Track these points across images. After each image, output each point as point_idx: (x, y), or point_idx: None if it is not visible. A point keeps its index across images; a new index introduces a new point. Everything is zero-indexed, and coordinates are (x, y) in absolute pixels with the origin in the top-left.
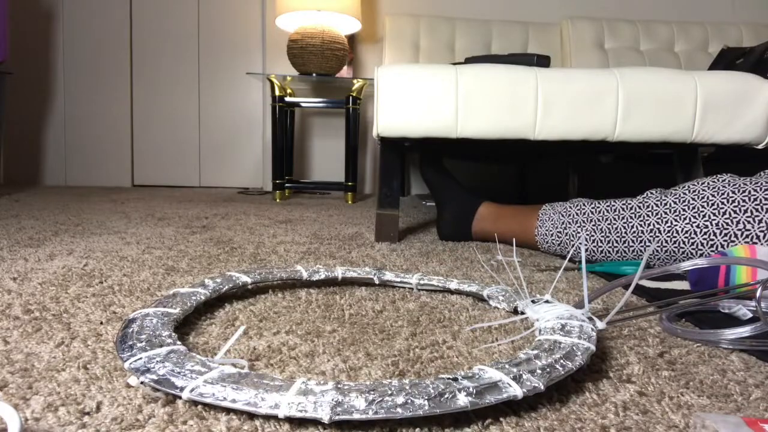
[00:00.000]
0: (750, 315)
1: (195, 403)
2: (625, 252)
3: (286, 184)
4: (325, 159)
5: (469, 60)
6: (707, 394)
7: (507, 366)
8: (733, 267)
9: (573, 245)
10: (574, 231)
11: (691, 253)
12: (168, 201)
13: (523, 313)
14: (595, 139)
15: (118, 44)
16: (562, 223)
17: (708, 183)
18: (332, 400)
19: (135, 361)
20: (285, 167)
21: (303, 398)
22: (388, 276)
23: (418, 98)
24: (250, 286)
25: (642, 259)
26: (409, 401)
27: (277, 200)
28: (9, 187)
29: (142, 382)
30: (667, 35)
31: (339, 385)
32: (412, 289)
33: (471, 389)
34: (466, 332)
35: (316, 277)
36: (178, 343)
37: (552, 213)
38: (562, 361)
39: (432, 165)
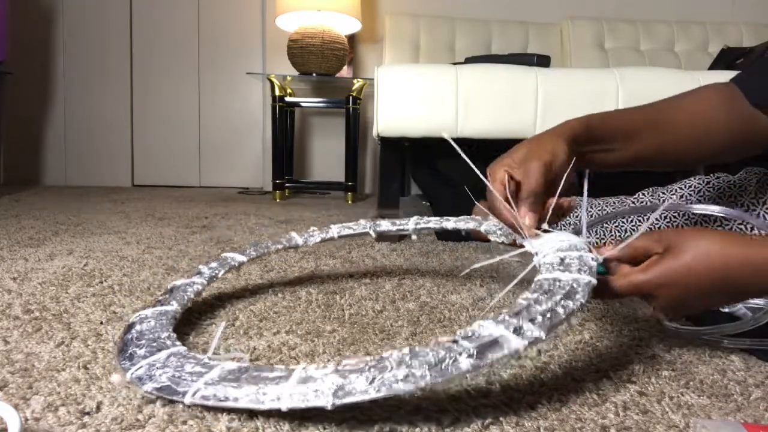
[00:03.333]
0: (750, 315)
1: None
2: None
3: (286, 184)
4: (325, 159)
5: (469, 60)
6: (707, 394)
7: (507, 318)
8: None
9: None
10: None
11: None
12: (168, 201)
13: (521, 246)
14: None
15: (118, 44)
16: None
17: (702, 179)
18: (333, 384)
19: (137, 370)
20: (285, 167)
21: (304, 387)
22: (384, 226)
23: (418, 98)
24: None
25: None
26: (410, 374)
27: (277, 200)
28: (9, 187)
29: (145, 392)
30: (667, 35)
31: (339, 367)
32: (409, 234)
33: (471, 350)
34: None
35: (311, 241)
36: (177, 343)
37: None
38: (562, 302)
39: (424, 167)
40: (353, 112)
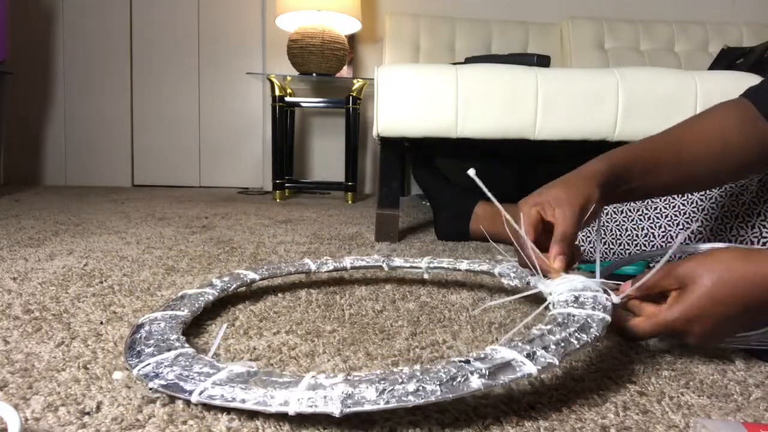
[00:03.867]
0: None
1: (204, 404)
2: (621, 254)
3: (286, 184)
4: (325, 159)
5: (469, 60)
6: (707, 394)
7: (520, 344)
8: None
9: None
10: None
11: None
12: (168, 201)
13: (535, 287)
14: (595, 139)
15: (118, 44)
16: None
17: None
18: (342, 392)
19: (144, 367)
20: (285, 167)
21: (312, 393)
22: (398, 262)
23: (418, 98)
24: (258, 282)
25: (642, 259)
26: (421, 388)
27: (277, 200)
28: (9, 187)
29: (150, 388)
30: (667, 35)
31: (348, 377)
32: (423, 272)
33: (483, 371)
34: (467, 331)
35: (324, 269)
36: (186, 345)
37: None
38: (576, 334)
39: (424, 166)
40: (353, 112)
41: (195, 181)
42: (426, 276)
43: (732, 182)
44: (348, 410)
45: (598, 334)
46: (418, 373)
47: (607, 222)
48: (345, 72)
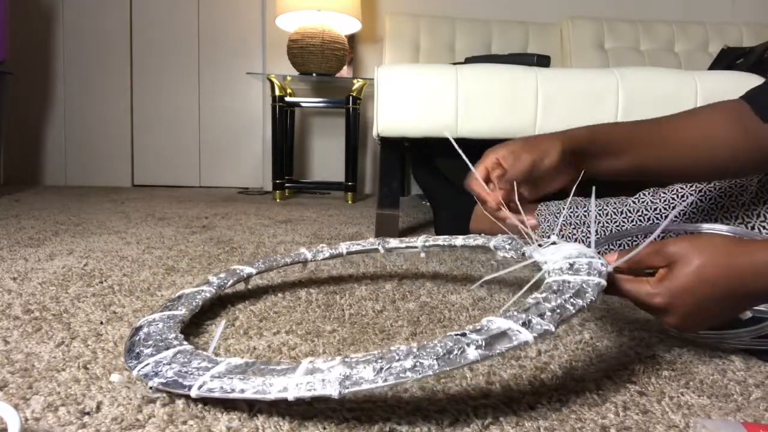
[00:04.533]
0: (750, 314)
1: (204, 399)
2: None
3: (286, 184)
4: (325, 159)
5: (469, 60)
6: (707, 394)
7: (516, 313)
8: None
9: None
10: (570, 232)
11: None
12: (168, 201)
13: (530, 257)
14: None
15: (118, 44)
16: (557, 224)
17: (695, 186)
18: (340, 374)
19: (143, 367)
20: (285, 167)
21: (311, 377)
22: (393, 243)
23: (418, 98)
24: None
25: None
26: (418, 364)
27: (277, 200)
28: (9, 187)
29: (150, 387)
30: (667, 35)
31: (346, 359)
32: (419, 251)
33: (480, 341)
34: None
35: (320, 257)
36: (185, 343)
37: (547, 215)
38: (572, 299)
39: (424, 166)
40: (353, 112)
41: (195, 181)
42: (422, 255)
43: (717, 179)
44: (346, 390)
45: (593, 299)
46: (414, 350)
47: (607, 223)
48: (345, 72)
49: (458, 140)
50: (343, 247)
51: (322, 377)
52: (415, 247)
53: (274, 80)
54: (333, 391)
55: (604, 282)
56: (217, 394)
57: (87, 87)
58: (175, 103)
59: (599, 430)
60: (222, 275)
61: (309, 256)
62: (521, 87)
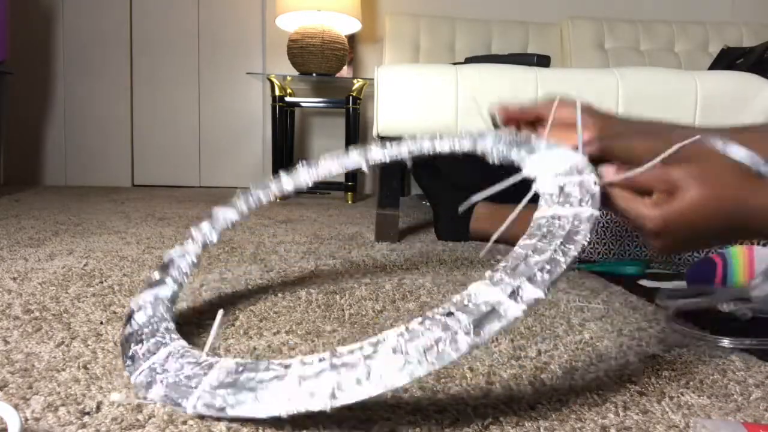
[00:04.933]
0: (750, 315)
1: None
2: (621, 254)
3: None
4: None
5: (469, 60)
6: (707, 394)
7: (503, 277)
8: (731, 265)
9: None
10: None
11: (687, 260)
12: (168, 201)
13: (518, 166)
14: None
15: (118, 44)
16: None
17: None
18: (329, 385)
19: (139, 375)
20: (285, 167)
21: (299, 389)
22: (376, 153)
23: (418, 98)
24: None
25: (641, 260)
26: (406, 363)
27: (278, 200)
28: (9, 187)
29: (144, 397)
30: (667, 35)
31: (333, 360)
32: (405, 162)
33: (468, 325)
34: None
35: (301, 180)
36: (176, 336)
37: None
38: (563, 246)
39: (424, 167)
40: (353, 112)
41: (195, 181)
42: (408, 165)
43: None
44: (337, 404)
45: (585, 242)
46: (402, 343)
47: (608, 222)
48: (345, 72)
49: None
50: (324, 167)
51: (310, 389)
52: (401, 156)
53: (274, 80)
54: (323, 405)
55: (596, 213)
56: (210, 413)
57: (87, 87)
58: (175, 103)
59: (599, 430)
60: (205, 227)
61: (290, 185)
62: (521, 87)
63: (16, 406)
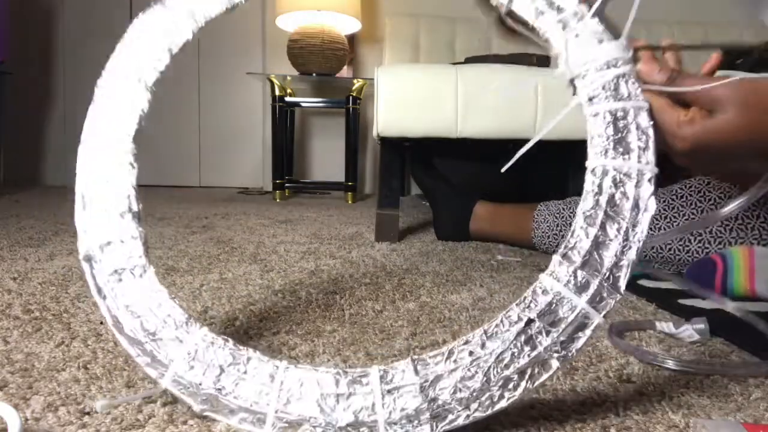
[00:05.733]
0: (697, 337)
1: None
2: None
3: (286, 184)
4: (325, 159)
5: (469, 60)
6: (707, 394)
7: (566, 267)
8: (731, 270)
9: None
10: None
11: (687, 261)
12: (168, 201)
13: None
14: None
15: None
16: (557, 226)
17: (694, 186)
18: (427, 413)
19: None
20: (285, 167)
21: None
22: None
23: (418, 98)
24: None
25: (641, 260)
26: (508, 388)
27: (277, 200)
28: (9, 187)
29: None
30: (667, 35)
31: (423, 383)
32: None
33: (556, 341)
34: (466, 330)
35: None
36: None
37: (547, 215)
38: (631, 221)
39: (423, 167)
40: (353, 112)
41: (195, 181)
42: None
43: None
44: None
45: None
46: (491, 365)
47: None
48: (345, 72)
49: (458, 140)
50: None
51: (408, 415)
52: None
53: (274, 80)
54: None
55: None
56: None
57: (87, 87)
58: (175, 103)
59: (599, 430)
60: None
61: None
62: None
63: (16, 406)
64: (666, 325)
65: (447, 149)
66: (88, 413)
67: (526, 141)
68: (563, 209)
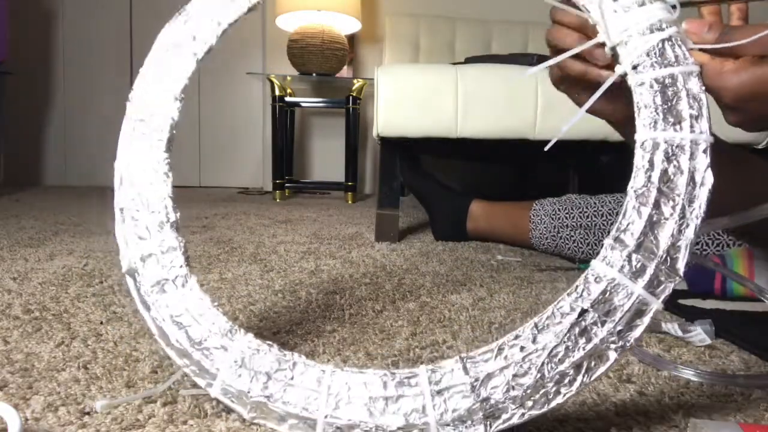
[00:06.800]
0: (708, 341)
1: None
2: None
3: (286, 184)
4: (325, 159)
5: (469, 60)
6: (707, 394)
7: (619, 251)
8: (731, 267)
9: (568, 247)
10: (567, 234)
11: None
12: None
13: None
14: (595, 138)
15: (118, 44)
16: (554, 227)
17: None
18: (481, 412)
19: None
20: (285, 167)
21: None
22: None
23: (418, 98)
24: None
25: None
26: (564, 382)
27: (277, 200)
28: (9, 186)
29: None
30: None
31: (474, 383)
32: None
33: (612, 332)
34: (467, 330)
35: None
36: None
37: (543, 215)
38: (687, 200)
39: (412, 169)
40: (353, 112)
41: (195, 181)
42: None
43: None
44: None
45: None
46: (545, 361)
47: (603, 224)
48: (345, 72)
49: (458, 140)
50: None
51: (461, 416)
52: None
53: (274, 80)
54: None
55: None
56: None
57: (87, 87)
58: None
59: (599, 430)
60: None
61: None
62: (521, 87)
63: (16, 406)
64: (672, 326)
65: (435, 148)
66: (88, 413)
67: (526, 141)
68: (559, 210)
